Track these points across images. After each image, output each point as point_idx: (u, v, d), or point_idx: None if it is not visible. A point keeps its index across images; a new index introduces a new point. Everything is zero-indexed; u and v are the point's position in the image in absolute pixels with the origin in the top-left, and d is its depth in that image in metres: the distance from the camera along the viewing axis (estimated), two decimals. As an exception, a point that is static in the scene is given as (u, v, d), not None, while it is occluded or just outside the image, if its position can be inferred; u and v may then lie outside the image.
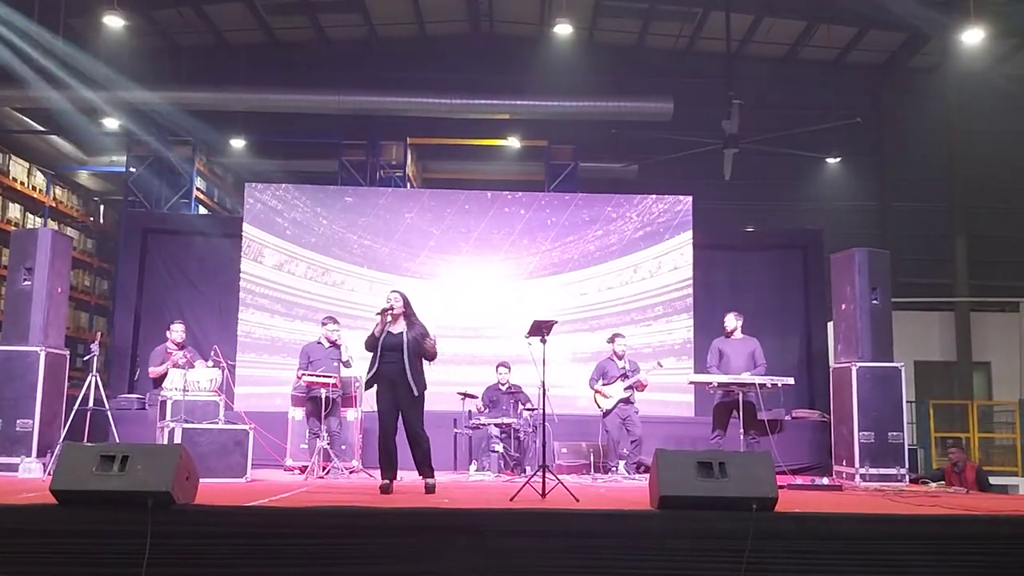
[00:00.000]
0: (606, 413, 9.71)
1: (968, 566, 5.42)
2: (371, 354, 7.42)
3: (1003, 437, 15.57)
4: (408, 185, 17.14)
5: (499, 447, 9.68)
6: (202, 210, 17.77)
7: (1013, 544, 5.48)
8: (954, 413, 16.19)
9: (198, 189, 17.53)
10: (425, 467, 7.39)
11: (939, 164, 19.12)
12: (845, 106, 18.40)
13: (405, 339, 7.35)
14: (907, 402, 9.84)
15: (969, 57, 16.20)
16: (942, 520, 5.74)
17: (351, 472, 9.23)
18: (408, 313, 7.51)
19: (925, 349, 18.36)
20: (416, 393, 7.33)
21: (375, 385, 7.40)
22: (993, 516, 5.98)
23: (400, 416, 7.37)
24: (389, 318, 7.41)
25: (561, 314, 11.00)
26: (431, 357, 7.49)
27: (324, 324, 9.83)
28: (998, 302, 19.08)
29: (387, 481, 7.25)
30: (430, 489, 7.23)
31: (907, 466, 9.57)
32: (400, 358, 7.31)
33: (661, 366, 9.82)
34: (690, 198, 12.53)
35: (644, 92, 16.85)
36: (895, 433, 9.40)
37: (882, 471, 9.26)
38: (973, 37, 14.31)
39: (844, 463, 9.55)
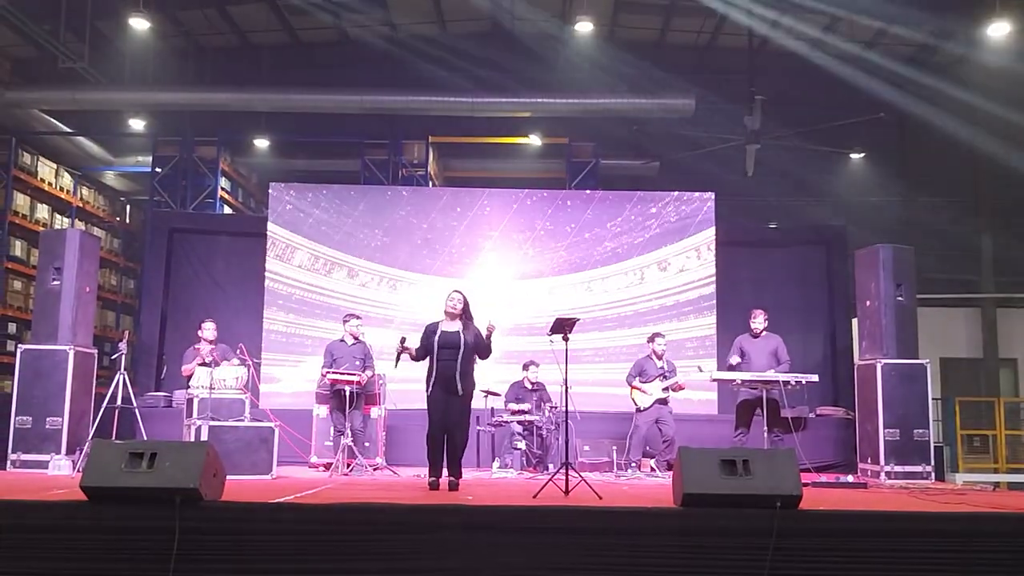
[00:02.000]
0: (641, 410, 9.72)
1: (994, 564, 5.39)
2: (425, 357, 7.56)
3: (1031, 434, 15.43)
4: (430, 184, 17.20)
5: (522, 444, 9.72)
6: (227, 210, 17.91)
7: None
8: (980, 410, 16.04)
9: (223, 189, 17.66)
10: (455, 465, 7.45)
11: (964, 159, 18.92)
12: (869, 101, 18.24)
13: (462, 338, 7.45)
14: (932, 399, 9.78)
15: (995, 51, 16.00)
16: (968, 518, 5.71)
17: (375, 469, 9.31)
18: (465, 314, 7.59)
19: (951, 346, 18.21)
20: (463, 391, 7.45)
21: (433, 385, 7.48)
22: (1020, 514, 5.94)
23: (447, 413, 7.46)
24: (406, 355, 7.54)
25: (583, 311, 11.06)
26: (485, 356, 7.64)
27: (346, 321, 9.91)
28: (1025, 298, 18.89)
29: (435, 478, 7.34)
30: (453, 486, 7.28)
31: (933, 464, 9.50)
32: (455, 355, 7.42)
33: (701, 370, 9.82)
34: (712, 195, 12.51)
35: (665, 89, 16.76)
36: (921, 431, 9.35)
37: (908, 469, 9.22)
38: (999, 31, 14.16)
39: (869, 461, 9.51)
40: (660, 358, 9.88)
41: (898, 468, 9.20)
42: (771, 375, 9.17)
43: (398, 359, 7.54)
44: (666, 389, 9.68)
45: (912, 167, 19.76)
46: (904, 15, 17.13)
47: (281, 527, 5.24)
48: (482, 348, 7.56)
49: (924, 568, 5.34)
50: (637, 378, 9.81)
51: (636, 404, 9.76)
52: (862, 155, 18.74)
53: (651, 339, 10.05)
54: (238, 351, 9.37)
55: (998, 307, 18.72)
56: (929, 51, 19.00)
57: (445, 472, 7.44)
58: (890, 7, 16.61)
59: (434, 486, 7.29)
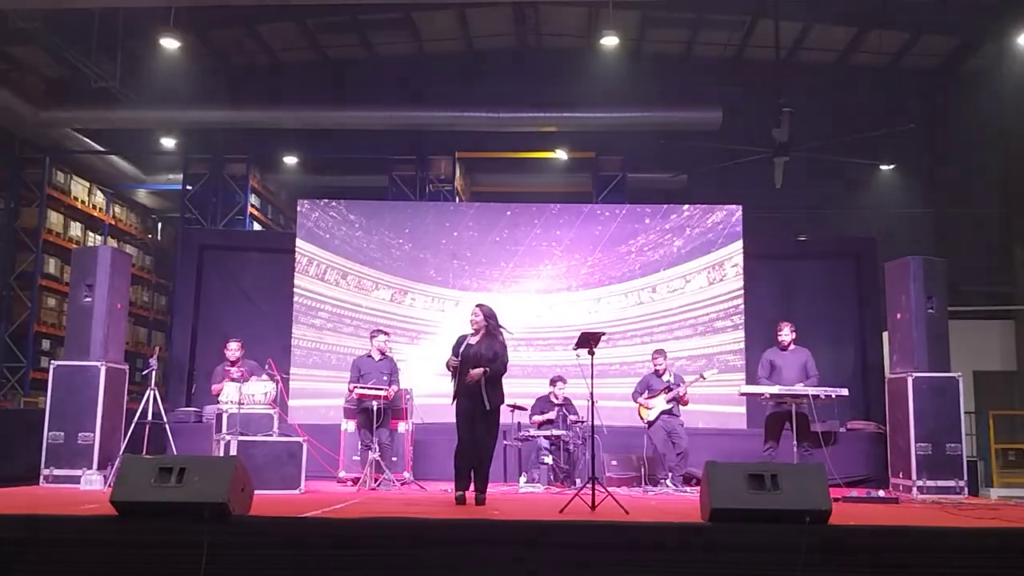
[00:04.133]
0: (650, 425, 9.70)
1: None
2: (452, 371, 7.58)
3: (1068, 448, 15.13)
4: (457, 199, 17.27)
5: (548, 459, 9.69)
6: (257, 226, 18.09)
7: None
8: (1015, 424, 15.77)
9: (252, 206, 17.86)
10: (481, 479, 7.45)
11: (996, 169, 18.68)
12: (898, 112, 18.11)
13: (482, 353, 7.49)
14: (966, 413, 9.63)
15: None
16: (1000, 533, 5.63)
17: (402, 484, 9.32)
18: (490, 328, 7.62)
19: (984, 359, 17.91)
20: (488, 407, 7.45)
21: (458, 398, 7.52)
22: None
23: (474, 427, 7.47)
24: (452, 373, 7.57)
25: (611, 326, 11.06)
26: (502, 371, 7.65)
27: (373, 336, 9.93)
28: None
29: (461, 492, 7.35)
30: (480, 501, 7.28)
31: (967, 479, 9.36)
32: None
33: (704, 378, 9.75)
34: (740, 208, 12.45)
35: (692, 102, 16.75)
36: (953, 445, 9.19)
37: (940, 483, 9.07)
38: (1030, 40, 14.04)
39: (901, 475, 9.38)
40: (661, 375, 9.85)
41: (930, 483, 9.05)
42: (800, 389, 9.09)
43: (453, 378, 7.59)
44: (671, 401, 9.64)
45: (943, 178, 19.57)
46: (932, 26, 17.04)
47: (308, 541, 5.27)
48: (501, 363, 7.55)
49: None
50: (643, 394, 9.80)
51: (643, 419, 9.76)
52: (892, 166, 18.58)
53: (653, 357, 10.05)
54: (267, 366, 9.44)
55: (1034, 319, 18.43)
56: (958, 61, 18.86)
57: (472, 486, 7.44)
58: (918, 18, 16.52)
59: (461, 500, 7.29)
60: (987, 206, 18.86)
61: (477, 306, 7.79)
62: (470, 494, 7.37)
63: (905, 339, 9.62)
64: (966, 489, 9.25)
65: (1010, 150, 18.32)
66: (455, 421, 7.55)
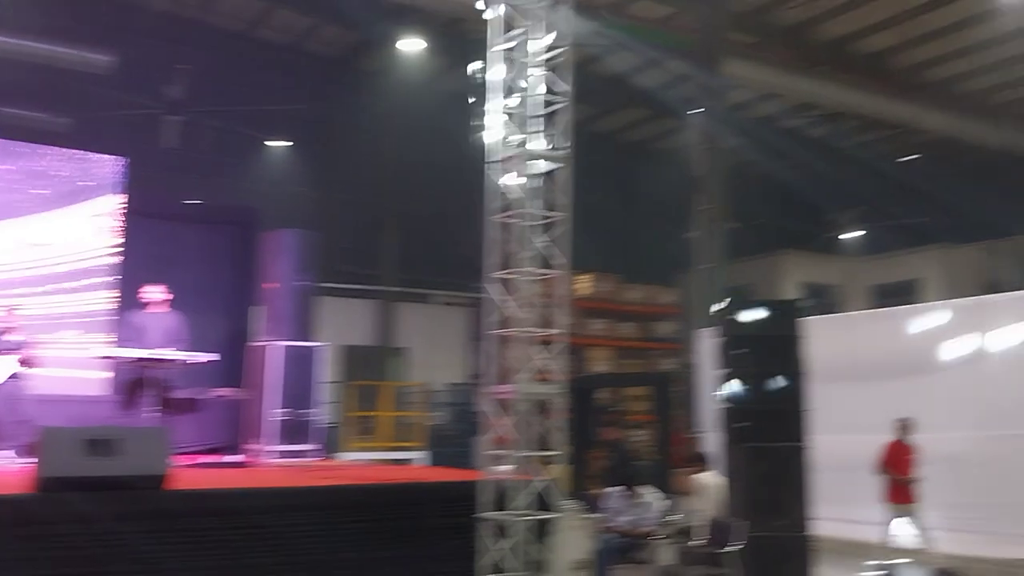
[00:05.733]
0: (-8, 389, 8.67)
1: (352, 533, 5.79)
2: None
3: (413, 415, 17.10)
4: None
5: None
6: None
7: (389, 511, 5.97)
8: (376, 393, 17.37)
9: None
10: None
11: (378, 161, 20.35)
12: (296, 92, 18.74)
13: None
14: (332, 383, 10.23)
15: (412, 66, 17.48)
16: (329, 491, 6.06)
17: None
18: None
19: (354, 334, 19.60)
20: None
21: None
22: (372, 485, 6.50)
23: None
24: None
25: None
26: None
27: None
28: (420, 293, 21.06)
29: None
30: None
31: (324, 443, 9.95)
32: None
33: (61, 341, 9.03)
34: (124, 160, 11.72)
35: (84, 40, 15.45)
36: (309, 411, 9.73)
37: (294, 447, 9.53)
38: (412, 46, 15.50)
39: (258, 440, 9.66)
40: (3, 333, 8.95)
41: (286, 447, 9.46)
42: (164, 353, 8.77)
43: None
44: (18, 363, 8.81)
45: (331, 161, 20.73)
46: (332, 17, 17.92)
47: None
48: None
49: (288, 540, 5.53)
50: None
51: None
52: (287, 143, 19.19)
53: (3, 312, 9.10)
54: None
55: (397, 300, 20.60)
56: (357, 55, 20.17)
57: None
58: (320, 6, 17.20)
59: None
60: (368, 194, 20.50)
61: None
62: None
63: (275, 309, 9.97)
64: (321, 453, 9.83)
65: (390, 145, 20.16)
66: None
